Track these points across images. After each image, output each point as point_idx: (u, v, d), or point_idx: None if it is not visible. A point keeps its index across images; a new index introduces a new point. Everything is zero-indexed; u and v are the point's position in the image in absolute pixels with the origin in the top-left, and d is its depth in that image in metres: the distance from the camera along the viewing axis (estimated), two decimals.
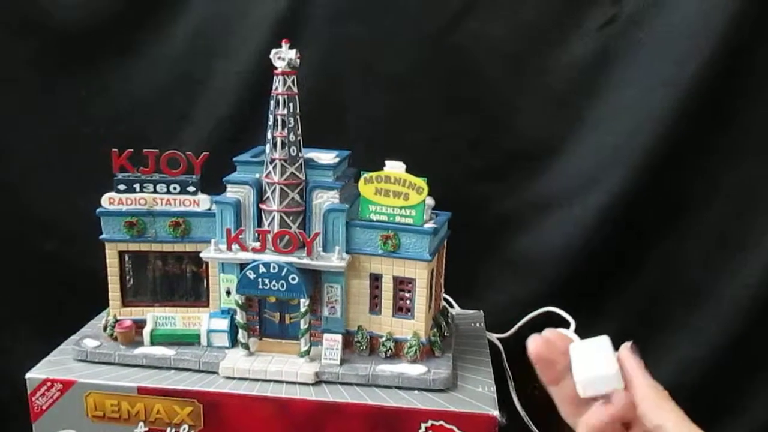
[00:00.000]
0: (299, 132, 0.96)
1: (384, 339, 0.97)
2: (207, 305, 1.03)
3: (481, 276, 1.29)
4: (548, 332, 0.69)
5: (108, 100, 1.29)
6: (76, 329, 1.06)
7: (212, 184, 1.01)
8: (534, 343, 0.65)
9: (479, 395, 0.92)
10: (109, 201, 0.99)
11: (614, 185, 1.21)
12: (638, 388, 0.61)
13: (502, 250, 1.29)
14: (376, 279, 0.97)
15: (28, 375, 0.94)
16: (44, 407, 0.94)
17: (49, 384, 0.93)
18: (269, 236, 0.95)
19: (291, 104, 0.94)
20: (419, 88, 1.23)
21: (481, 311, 1.19)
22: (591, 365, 0.63)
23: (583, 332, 1.27)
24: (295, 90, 0.94)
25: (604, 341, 0.65)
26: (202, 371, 0.96)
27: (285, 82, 0.94)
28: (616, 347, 1.33)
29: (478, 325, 1.15)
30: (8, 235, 1.31)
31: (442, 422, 0.88)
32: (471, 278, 1.24)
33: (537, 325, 1.04)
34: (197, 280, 1.03)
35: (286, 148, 0.95)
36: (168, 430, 0.93)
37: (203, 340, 0.99)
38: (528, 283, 1.28)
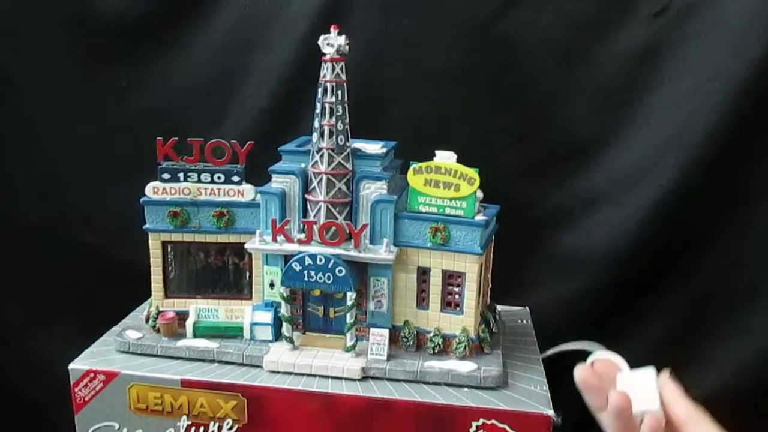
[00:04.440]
0: (347, 121, 0.94)
1: (432, 335, 0.94)
2: (250, 298, 1.01)
3: (525, 272, 1.25)
4: (598, 358, 0.70)
5: (148, 92, 1.28)
6: (117, 321, 1.06)
7: (254, 176, 1.00)
8: (581, 372, 0.68)
9: (532, 394, 0.88)
10: (153, 190, 0.98)
11: (665, 180, 1.17)
12: (680, 412, 0.65)
13: (548, 246, 1.25)
14: (423, 273, 0.95)
15: (72, 366, 0.93)
16: (87, 398, 0.93)
17: (92, 375, 0.92)
18: (315, 227, 0.93)
19: (339, 92, 0.92)
20: (465, 81, 1.20)
21: (527, 308, 1.16)
22: (636, 398, 0.66)
23: (630, 332, 1.25)
24: (344, 77, 0.92)
25: (650, 374, 0.69)
26: (246, 365, 0.94)
27: (333, 69, 0.91)
28: (663, 353, 1.28)
29: (525, 322, 1.11)
30: (49, 228, 1.31)
31: (494, 421, 0.85)
32: (515, 275, 1.21)
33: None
34: (240, 272, 1.02)
35: (334, 137, 0.93)
36: (211, 424, 0.91)
37: (246, 333, 0.98)
38: (574, 281, 1.24)
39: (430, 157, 0.94)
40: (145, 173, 0.99)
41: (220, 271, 1.02)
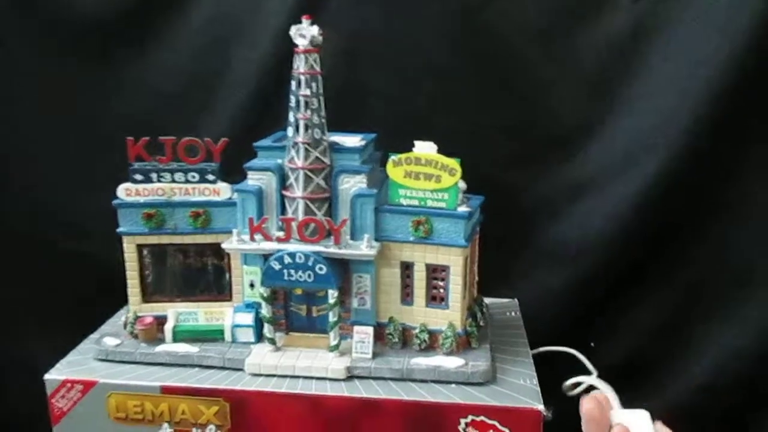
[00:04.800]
0: (323, 114, 0.91)
1: (417, 330, 0.92)
2: (230, 299, 0.98)
3: (513, 264, 1.23)
4: (596, 390, 0.71)
5: (125, 92, 1.25)
6: (95, 328, 1.02)
7: (233, 174, 0.97)
8: (589, 404, 0.68)
9: (521, 388, 0.86)
10: (126, 192, 0.95)
11: (652, 168, 1.15)
12: None
13: (535, 236, 1.23)
14: (407, 267, 0.92)
15: (47, 376, 0.90)
16: (65, 409, 0.90)
17: (69, 385, 0.89)
18: (294, 225, 0.90)
19: (314, 84, 0.89)
20: (446, 70, 1.18)
21: (516, 300, 1.13)
22: None
23: (622, 323, 1.23)
24: (318, 69, 0.89)
25: (644, 417, 0.68)
26: (228, 368, 0.91)
27: (307, 60, 0.88)
28: (652, 342, 1.26)
29: (513, 314, 1.09)
30: (25, 233, 1.27)
31: (483, 417, 0.83)
32: (502, 266, 1.18)
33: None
34: (219, 273, 0.99)
35: (310, 130, 0.90)
36: (194, 430, 0.88)
37: (227, 336, 0.95)
38: (562, 271, 1.22)
39: (411, 149, 0.91)
40: (123, 174, 0.96)
41: (199, 273, 0.99)
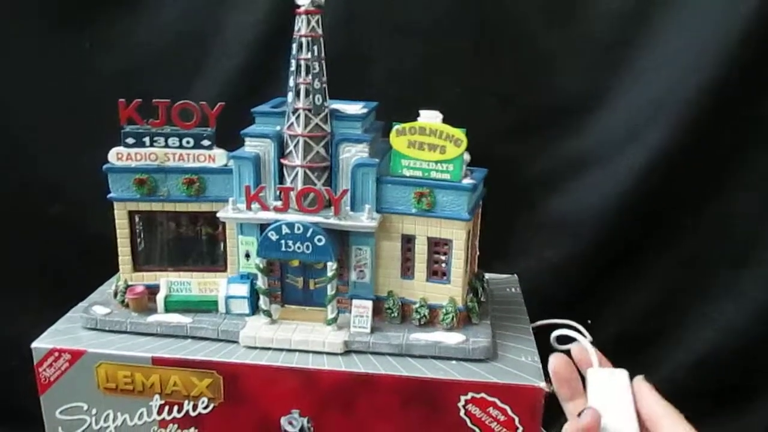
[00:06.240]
0: (324, 79, 0.87)
1: (417, 305, 0.90)
2: (224, 270, 0.95)
3: (512, 238, 1.21)
4: (575, 346, 0.75)
5: (114, 53, 1.20)
6: (84, 296, 1.00)
7: (229, 141, 0.93)
8: (556, 363, 0.71)
9: (522, 365, 0.84)
10: (117, 156, 0.91)
11: (655, 141, 1.13)
12: (655, 411, 0.67)
13: (536, 210, 1.21)
14: (408, 240, 0.90)
15: (34, 344, 0.88)
16: (52, 379, 0.87)
17: (56, 354, 0.87)
18: (293, 194, 0.87)
19: (315, 47, 0.85)
20: (450, 39, 1.15)
21: (516, 275, 1.11)
22: (607, 399, 0.69)
23: (620, 298, 1.22)
24: (320, 31, 0.85)
25: (622, 376, 0.71)
26: (221, 340, 0.89)
27: (309, 22, 0.84)
28: (651, 316, 1.25)
29: (513, 290, 1.07)
30: (12, 198, 1.23)
31: (483, 395, 0.81)
32: (502, 240, 1.16)
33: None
34: (213, 242, 0.96)
35: (311, 96, 0.86)
36: (185, 403, 0.86)
37: (221, 307, 0.92)
38: (562, 245, 1.21)
39: (413, 118, 0.88)
40: (113, 140, 0.92)
41: (192, 242, 0.97)
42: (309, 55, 0.85)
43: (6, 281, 1.26)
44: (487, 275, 1.06)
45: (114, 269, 0.97)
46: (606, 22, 1.14)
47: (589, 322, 1.17)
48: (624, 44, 1.14)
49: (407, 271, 0.91)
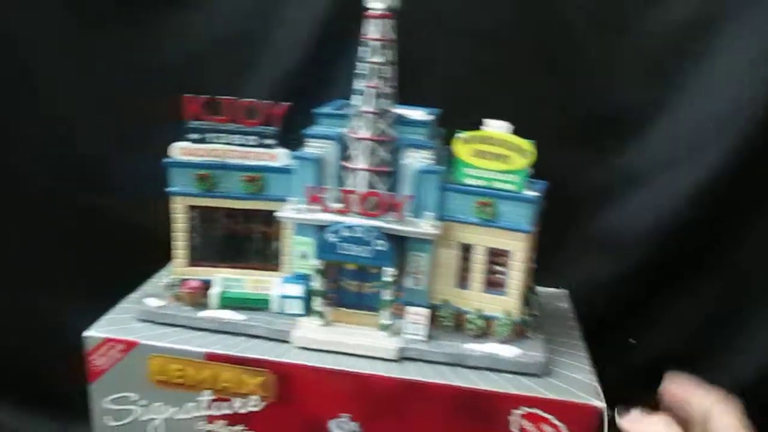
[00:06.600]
0: (395, 84, 0.87)
1: (473, 316, 0.89)
2: (277, 269, 0.95)
3: (561, 252, 1.19)
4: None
5: (167, 48, 1.20)
6: (131, 288, 1.00)
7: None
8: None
9: (578, 383, 0.83)
10: (181, 151, 0.91)
11: (712, 159, 1.11)
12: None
13: (586, 224, 1.19)
14: (466, 250, 0.89)
15: (87, 333, 0.88)
16: (104, 368, 0.87)
17: (110, 344, 0.87)
18: (355, 197, 0.86)
19: (388, 52, 0.85)
20: (507, 45, 1.13)
21: (566, 290, 1.10)
22: None
23: (670, 318, 1.19)
24: (394, 36, 0.85)
25: None
26: (273, 339, 0.89)
27: (383, 26, 0.84)
28: (701, 337, 1.23)
29: (564, 305, 1.06)
30: (62, 190, 1.24)
31: (537, 410, 0.80)
32: (552, 254, 1.15)
33: None
34: (265, 241, 0.96)
35: (379, 100, 0.86)
36: (235, 399, 0.86)
37: (275, 306, 0.92)
38: (611, 261, 1.19)
39: (467, 125, 0.87)
40: (161, 135, 0.92)
41: (246, 240, 0.97)
42: (381, 59, 0.85)
43: (56, 272, 1.26)
44: (537, 289, 1.05)
45: (158, 262, 0.97)
46: (666, 34, 1.12)
47: (633, 341, 1.16)
48: (683, 57, 1.12)
49: (463, 280, 0.90)
